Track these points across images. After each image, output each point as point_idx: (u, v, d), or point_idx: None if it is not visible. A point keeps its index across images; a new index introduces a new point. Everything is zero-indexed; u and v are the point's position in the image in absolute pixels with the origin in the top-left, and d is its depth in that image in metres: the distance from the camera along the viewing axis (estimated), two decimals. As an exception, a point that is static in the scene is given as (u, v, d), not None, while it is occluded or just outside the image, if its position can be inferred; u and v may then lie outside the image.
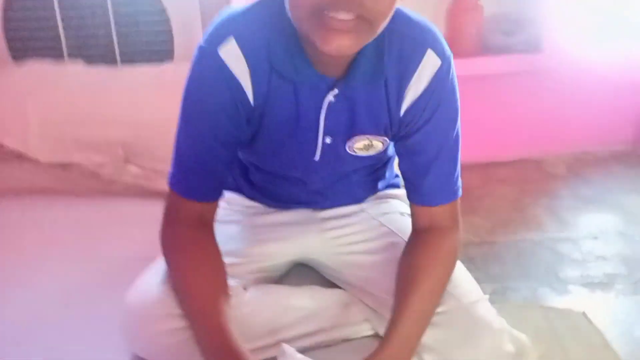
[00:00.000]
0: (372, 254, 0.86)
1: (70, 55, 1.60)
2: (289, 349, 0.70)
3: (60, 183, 1.22)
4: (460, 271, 0.81)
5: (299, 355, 0.70)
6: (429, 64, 0.71)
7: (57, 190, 1.23)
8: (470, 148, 2.43)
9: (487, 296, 0.79)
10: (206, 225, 0.77)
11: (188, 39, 1.48)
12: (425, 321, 0.72)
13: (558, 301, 1.62)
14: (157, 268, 0.77)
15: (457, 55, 2.40)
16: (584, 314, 1.57)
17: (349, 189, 0.90)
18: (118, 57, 1.60)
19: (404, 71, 0.71)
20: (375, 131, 0.77)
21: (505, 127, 2.48)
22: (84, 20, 1.58)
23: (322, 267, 0.92)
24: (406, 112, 0.74)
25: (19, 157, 1.21)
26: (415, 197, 0.80)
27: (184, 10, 1.48)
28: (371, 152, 0.80)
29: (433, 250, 0.76)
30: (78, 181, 1.23)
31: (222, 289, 0.72)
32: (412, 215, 0.81)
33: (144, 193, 1.10)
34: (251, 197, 0.94)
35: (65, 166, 1.21)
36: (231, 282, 0.78)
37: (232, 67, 0.69)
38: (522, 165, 2.51)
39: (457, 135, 0.78)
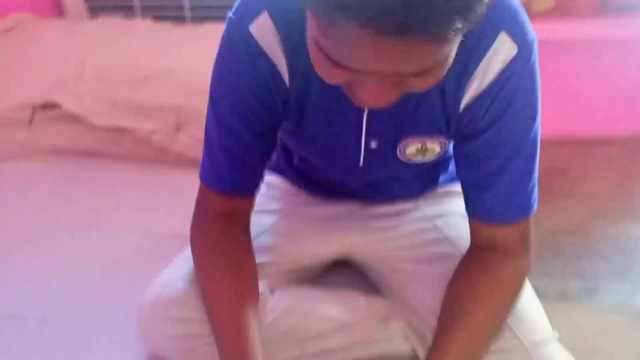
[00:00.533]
0: (421, 264, 0.73)
1: (142, 12, 1.58)
2: None
3: (114, 147, 1.21)
4: (528, 301, 0.67)
5: None
6: (502, 51, 0.55)
7: (109, 154, 1.22)
8: (572, 121, 2.19)
9: (556, 335, 0.65)
10: (239, 224, 0.69)
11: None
12: (476, 347, 0.60)
13: (657, 310, 1.41)
14: (183, 263, 0.71)
15: (566, 15, 2.11)
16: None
17: (403, 183, 0.78)
18: (188, 14, 1.56)
19: (467, 57, 0.56)
20: (429, 131, 0.63)
21: (617, 100, 2.17)
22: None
23: (365, 269, 0.82)
24: (467, 108, 0.59)
25: (74, 118, 1.20)
26: (475, 210, 0.65)
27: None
28: (428, 157, 0.67)
29: (491, 277, 0.63)
30: (130, 147, 1.21)
31: (250, 300, 0.64)
32: (471, 230, 0.67)
33: (195, 164, 1.06)
34: (294, 183, 0.85)
35: (119, 131, 1.19)
36: (259, 284, 0.71)
37: (264, 45, 0.58)
38: (633, 144, 2.20)
39: (534, 140, 0.61)
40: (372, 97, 0.46)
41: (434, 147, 0.65)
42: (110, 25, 1.47)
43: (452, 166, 0.81)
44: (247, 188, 0.68)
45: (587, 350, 1.30)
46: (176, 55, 1.26)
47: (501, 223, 0.64)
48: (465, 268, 0.66)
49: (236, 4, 0.61)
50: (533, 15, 2.08)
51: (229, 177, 0.66)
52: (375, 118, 0.62)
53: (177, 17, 1.57)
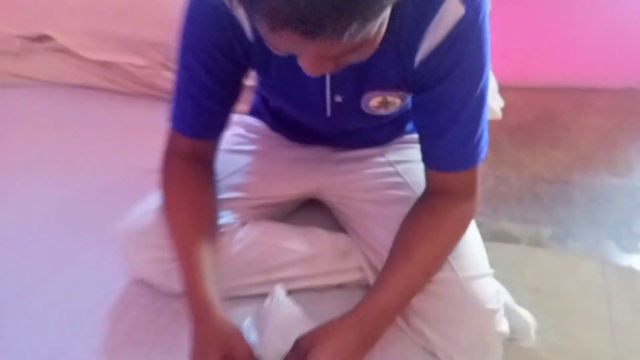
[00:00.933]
0: (381, 205, 0.79)
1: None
2: (280, 292, 0.70)
3: (103, 81, 1.24)
4: (470, 240, 0.73)
5: (287, 301, 0.70)
6: (450, 12, 0.59)
7: (98, 88, 1.25)
8: (568, 69, 2.18)
9: (491, 272, 0.72)
10: (201, 163, 0.75)
11: None
12: (410, 292, 0.67)
13: (622, 258, 1.48)
14: (156, 195, 0.77)
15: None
16: (648, 275, 1.43)
17: (372, 132, 0.82)
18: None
19: (418, 19, 0.59)
20: (388, 87, 0.67)
21: (614, 49, 2.14)
22: None
23: (331, 208, 0.88)
24: (420, 64, 0.63)
25: (65, 50, 1.22)
26: (428, 160, 0.71)
27: None
28: (390, 109, 0.71)
29: (439, 218, 0.69)
30: (119, 81, 1.24)
31: (203, 230, 0.70)
32: (425, 176, 0.72)
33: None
34: (271, 126, 0.89)
35: (108, 65, 1.21)
36: (229, 218, 0.77)
37: (229, 7, 0.61)
38: (626, 95, 2.18)
39: (481, 94, 0.65)
40: (309, 69, 0.51)
41: (395, 100, 0.70)
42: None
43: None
44: (209, 132, 0.74)
45: (550, 291, 1.38)
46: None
47: (449, 171, 0.69)
48: (416, 209, 0.72)
49: None
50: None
51: (192, 121, 0.72)
52: (338, 77, 0.66)
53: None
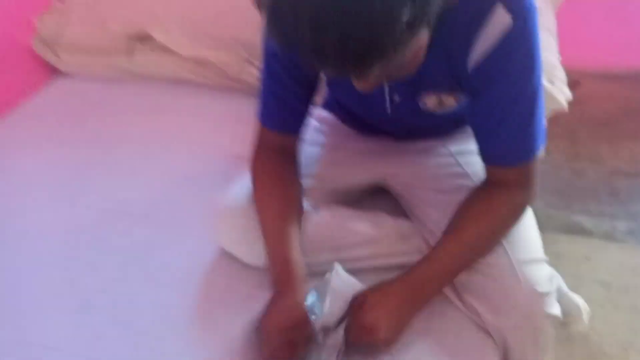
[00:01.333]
0: (441, 193, 0.86)
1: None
2: (339, 267, 0.79)
3: (195, 76, 1.39)
4: (525, 227, 0.79)
5: (346, 275, 0.79)
6: (498, 21, 0.64)
7: (193, 82, 1.40)
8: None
9: (545, 258, 0.77)
10: (287, 154, 0.86)
11: None
12: (456, 267, 0.75)
13: (698, 257, 1.43)
14: (245, 178, 0.88)
15: None
16: None
17: (433, 128, 0.90)
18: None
19: (467, 30, 0.65)
20: (441, 88, 0.74)
21: None
22: None
23: (396, 194, 0.95)
24: (473, 70, 0.69)
25: (165, 49, 1.38)
26: (484, 155, 0.77)
27: None
28: (446, 109, 0.78)
29: (492, 205, 0.75)
30: (209, 76, 1.38)
31: (292, 214, 0.82)
32: (484, 168, 0.78)
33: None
34: (341, 119, 0.98)
35: (200, 61, 1.36)
36: (305, 204, 0.88)
37: None
38: None
39: (532, 94, 0.70)
40: (360, 89, 0.61)
41: (450, 100, 0.77)
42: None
43: None
44: (293, 126, 0.85)
45: (622, 286, 1.37)
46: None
47: (504, 165, 0.75)
48: (473, 195, 0.79)
49: None
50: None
51: (276, 117, 0.83)
52: (394, 80, 0.73)
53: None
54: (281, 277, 0.76)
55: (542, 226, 0.85)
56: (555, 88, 1.15)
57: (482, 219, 0.74)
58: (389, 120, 0.84)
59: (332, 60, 0.50)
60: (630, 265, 1.43)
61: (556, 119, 1.90)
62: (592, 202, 1.63)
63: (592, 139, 1.87)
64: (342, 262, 0.84)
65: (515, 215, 0.76)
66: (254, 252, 0.86)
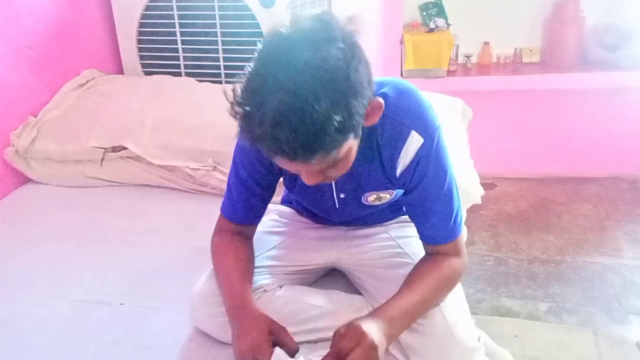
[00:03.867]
0: (386, 269, 1.04)
1: (186, 73, 1.94)
2: (280, 352, 0.88)
3: (166, 181, 1.55)
4: (456, 294, 0.97)
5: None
6: (414, 142, 0.88)
7: (164, 186, 1.57)
8: (559, 162, 2.45)
9: (473, 321, 0.94)
10: (244, 238, 1.04)
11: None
12: (421, 305, 0.89)
13: (614, 329, 1.64)
14: (212, 268, 1.03)
15: (554, 68, 2.41)
16: (637, 343, 1.59)
17: (374, 215, 1.10)
18: (223, 75, 1.91)
19: (393, 149, 0.90)
20: (379, 188, 0.97)
21: (600, 143, 2.42)
22: (198, 44, 1.90)
23: (348, 274, 1.12)
24: (400, 175, 0.93)
25: (138, 158, 1.55)
26: (420, 236, 0.99)
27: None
28: (383, 201, 1.00)
29: (432, 267, 0.94)
30: (179, 181, 1.55)
31: (247, 278, 0.98)
32: (424, 246, 0.99)
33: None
34: (298, 212, 1.17)
35: (171, 168, 1.53)
36: (270, 280, 1.02)
37: None
38: (613, 183, 2.43)
39: (448, 191, 0.93)
40: (306, 180, 0.81)
41: (386, 196, 0.99)
42: (163, 82, 1.83)
43: None
44: (250, 220, 1.04)
45: (549, 361, 1.54)
46: (214, 110, 1.60)
47: (438, 244, 0.96)
48: (420, 263, 0.98)
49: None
50: (522, 67, 2.38)
51: (239, 212, 1.02)
52: (341, 182, 0.96)
53: (215, 76, 1.93)
54: (237, 302, 0.91)
55: (474, 309, 1.03)
56: (470, 186, 1.40)
57: (429, 277, 0.92)
58: (337, 212, 1.04)
59: (286, 148, 0.69)
60: (555, 342, 1.61)
61: (478, 215, 2.20)
62: (516, 287, 1.85)
63: (510, 231, 2.15)
64: (305, 333, 0.98)
65: (456, 274, 0.95)
66: (226, 329, 0.97)
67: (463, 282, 1.02)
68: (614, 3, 2.31)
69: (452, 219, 0.94)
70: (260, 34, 1.81)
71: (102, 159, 1.58)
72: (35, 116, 1.70)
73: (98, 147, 1.57)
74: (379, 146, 0.90)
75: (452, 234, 0.95)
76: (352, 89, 0.71)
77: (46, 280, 1.21)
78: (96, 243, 1.34)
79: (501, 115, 2.47)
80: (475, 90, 2.31)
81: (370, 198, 0.99)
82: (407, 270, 0.98)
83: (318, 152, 0.71)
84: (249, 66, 0.73)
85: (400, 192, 0.99)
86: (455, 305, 0.95)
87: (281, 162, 0.75)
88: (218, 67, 1.90)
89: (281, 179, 1.02)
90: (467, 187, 1.38)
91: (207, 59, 1.91)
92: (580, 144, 2.47)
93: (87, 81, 1.85)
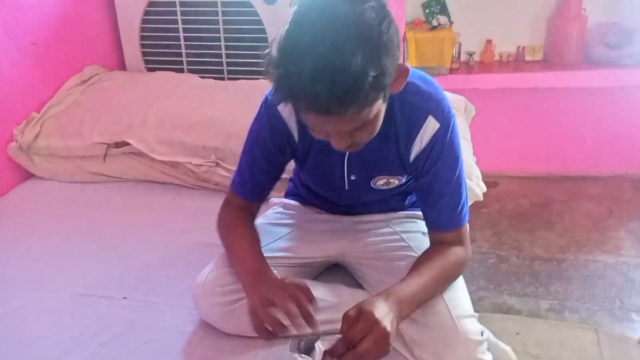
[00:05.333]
0: (389, 260, 1.04)
1: (188, 70, 1.95)
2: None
3: (169, 177, 1.56)
4: (460, 288, 0.98)
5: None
6: (430, 127, 0.91)
7: (166, 182, 1.57)
8: (562, 160, 2.45)
9: (476, 314, 0.95)
10: (248, 212, 1.07)
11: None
12: (424, 291, 0.90)
13: (615, 327, 1.64)
14: (219, 259, 1.04)
15: (556, 66, 2.41)
16: (639, 342, 1.58)
17: (380, 203, 1.11)
18: (225, 72, 1.91)
19: (410, 132, 0.93)
20: (390, 173, 0.99)
21: (603, 141, 2.42)
22: (201, 40, 1.91)
23: (351, 269, 1.12)
24: (414, 160, 0.95)
25: (140, 154, 1.55)
26: (427, 223, 1.01)
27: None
28: (390, 187, 1.02)
29: (442, 253, 0.96)
30: (182, 177, 1.55)
31: (259, 248, 1.01)
32: (429, 235, 1.01)
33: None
34: (306, 202, 1.18)
35: (173, 164, 1.53)
36: (274, 272, 1.02)
37: (285, 119, 0.98)
38: (616, 182, 2.43)
39: (458, 178, 0.95)
40: (336, 144, 0.83)
41: (394, 181, 1.01)
42: (166, 78, 1.84)
43: (411, 196, 1.14)
44: (257, 197, 1.08)
45: (550, 358, 1.54)
46: (216, 106, 1.61)
47: (442, 231, 0.98)
48: (425, 251, 0.99)
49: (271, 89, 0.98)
50: (525, 65, 2.38)
51: (248, 187, 1.06)
52: (352, 163, 0.99)
53: (217, 72, 1.93)
54: (253, 267, 0.94)
55: (476, 306, 1.03)
56: (472, 183, 1.41)
57: (435, 263, 0.94)
58: (345, 194, 1.06)
59: (323, 102, 0.72)
60: (556, 339, 1.62)
61: (480, 213, 2.20)
62: (517, 284, 1.85)
63: (512, 229, 2.15)
64: (306, 326, 0.98)
65: (458, 263, 0.96)
66: (230, 320, 0.98)
67: (465, 279, 1.02)
68: (616, 2, 2.31)
69: (460, 208, 0.96)
70: (263, 31, 1.81)
71: (105, 155, 1.58)
72: (38, 112, 1.71)
73: (101, 143, 1.58)
74: (396, 127, 0.92)
75: (458, 222, 0.97)
76: (385, 47, 0.73)
77: (49, 274, 1.21)
78: (99, 238, 1.34)
79: (504, 113, 2.47)
80: (478, 88, 2.31)
81: (380, 182, 1.01)
82: (411, 262, 0.99)
83: (352, 106, 0.73)
84: (283, 30, 0.75)
85: (406, 181, 1.01)
86: (459, 298, 0.95)
87: (314, 121, 0.78)
88: (221, 64, 1.91)
89: (291, 164, 1.06)
90: (469, 183, 1.38)
91: (209, 55, 1.91)
92: (583, 142, 2.47)
93: (90, 77, 1.85)
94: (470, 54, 2.43)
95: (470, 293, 1.02)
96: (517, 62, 2.44)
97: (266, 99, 1.00)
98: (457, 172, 0.95)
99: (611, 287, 1.83)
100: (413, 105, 0.91)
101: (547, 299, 1.80)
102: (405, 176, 1.00)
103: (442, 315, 0.91)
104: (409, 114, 0.91)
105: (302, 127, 0.96)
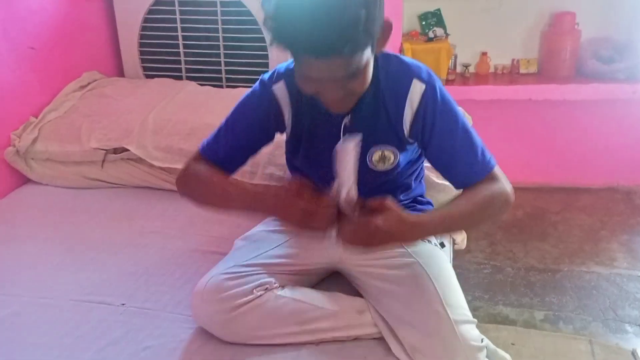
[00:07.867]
0: (387, 268, 1.03)
1: (187, 77, 1.95)
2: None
3: (167, 183, 1.55)
4: (458, 294, 0.99)
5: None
6: (416, 90, 0.96)
7: (164, 189, 1.57)
8: (555, 172, 2.47)
9: (475, 321, 0.95)
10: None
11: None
12: (459, 216, 0.95)
13: (609, 338, 1.65)
14: (218, 266, 1.04)
15: (550, 79, 2.43)
16: (633, 352, 1.59)
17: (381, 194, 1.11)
18: (224, 80, 1.92)
19: (397, 99, 0.97)
20: (385, 142, 1.00)
21: (596, 154, 2.44)
22: (199, 47, 1.92)
23: (350, 277, 1.12)
24: (411, 127, 0.98)
25: (139, 160, 1.55)
26: (456, 183, 1.03)
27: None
28: (387, 165, 1.02)
29: (484, 186, 0.98)
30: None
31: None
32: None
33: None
34: None
35: (171, 170, 1.53)
36: (273, 279, 1.02)
37: (279, 98, 1.02)
38: (608, 194, 2.45)
39: (464, 128, 0.98)
40: (329, 96, 0.87)
41: (390, 155, 1.02)
42: (164, 84, 1.84)
43: (415, 185, 1.14)
44: (227, 165, 1.08)
45: (545, 369, 1.55)
46: (215, 113, 1.61)
47: (475, 182, 0.99)
48: (463, 191, 1.01)
49: (270, 72, 1.04)
50: (519, 77, 2.41)
51: (220, 154, 1.07)
52: (348, 134, 0.99)
53: (216, 80, 1.94)
54: (253, 188, 1.01)
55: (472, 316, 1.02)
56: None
57: (474, 194, 0.97)
58: None
59: (318, 43, 0.77)
60: (551, 350, 1.62)
61: (475, 223, 2.20)
62: (512, 295, 1.86)
63: (506, 240, 2.16)
64: (306, 333, 0.98)
65: (502, 194, 0.98)
66: (229, 327, 0.98)
67: (460, 289, 1.02)
68: (609, 17, 2.35)
69: (480, 153, 0.98)
70: (262, 39, 1.82)
71: (103, 161, 1.58)
72: (36, 117, 1.70)
73: (99, 149, 1.57)
74: (384, 96, 0.96)
75: (484, 167, 0.99)
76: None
77: (47, 280, 1.21)
78: (97, 244, 1.34)
79: (498, 125, 2.49)
80: (473, 99, 2.33)
81: (375, 157, 1.01)
82: (411, 270, 0.99)
83: (348, 45, 0.78)
84: None
85: (405, 161, 1.03)
86: (458, 305, 0.95)
87: (309, 68, 0.82)
88: (219, 71, 1.92)
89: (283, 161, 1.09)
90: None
91: (208, 62, 1.92)
92: (576, 155, 2.49)
93: (89, 83, 1.85)
94: (466, 66, 2.46)
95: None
96: (511, 75, 2.47)
97: (262, 79, 1.04)
98: (460, 123, 0.97)
99: (605, 298, 1.84)
100: (396, 74, 0.96)
101: (542, 309, 1.81)
102: (400, 153, 1.01)
103: (442, 322, 0.92)
104: (394, 83, 0.95)
105: (295, 111, 1.01)
